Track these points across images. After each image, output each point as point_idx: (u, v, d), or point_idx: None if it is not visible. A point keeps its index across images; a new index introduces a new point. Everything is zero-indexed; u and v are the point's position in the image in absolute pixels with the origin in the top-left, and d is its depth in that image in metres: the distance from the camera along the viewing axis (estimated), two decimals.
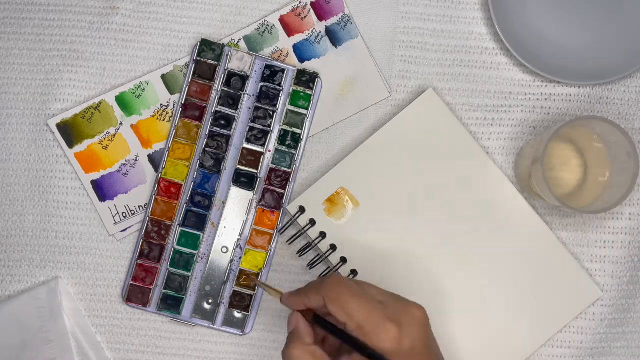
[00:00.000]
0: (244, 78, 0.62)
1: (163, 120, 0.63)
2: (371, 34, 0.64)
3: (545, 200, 0.59)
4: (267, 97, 0.62)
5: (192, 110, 0.62)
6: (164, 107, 0.63)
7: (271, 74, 0.62)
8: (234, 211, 0.62)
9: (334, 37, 0.64)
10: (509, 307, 0.61)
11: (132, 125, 0.63)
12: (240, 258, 0.62)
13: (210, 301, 0.62)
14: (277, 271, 0.63)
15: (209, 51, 0.62)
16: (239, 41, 0.63)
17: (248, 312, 0.62)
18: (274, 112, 0.62)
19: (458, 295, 0.61)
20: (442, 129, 0.62)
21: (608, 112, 0.64)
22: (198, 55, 0.62)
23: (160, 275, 0.62)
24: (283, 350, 0.49)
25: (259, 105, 0.62)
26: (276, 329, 0.63)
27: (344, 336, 0.48)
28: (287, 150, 0.62)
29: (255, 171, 0.62)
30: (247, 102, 0.63)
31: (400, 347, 0.46)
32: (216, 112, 0.62)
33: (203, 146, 0.62)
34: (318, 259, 0.61)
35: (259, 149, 0.62)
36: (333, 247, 0.61)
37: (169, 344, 0.63)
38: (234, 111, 0.62)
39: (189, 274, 0.62)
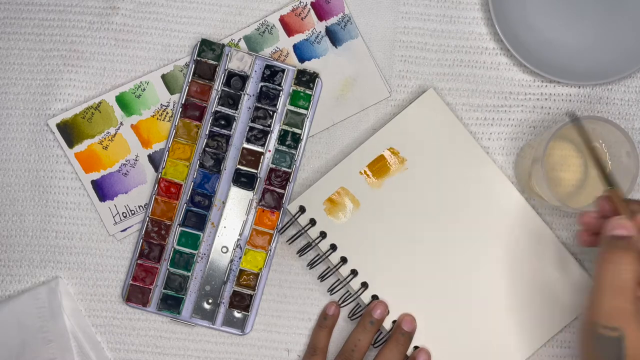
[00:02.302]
0: (244, 78, 0.62)
1: (163, 120, 0.63)
2: (371, 34, 0.64)
3: (546, 200, 0.59)
4: (267, 97, 0.62)
5: (192, 110, 0.62)
6: (164, 107, 0.63)
7: (271, 74, 0.62)
8: (234, 211, 0.62)
9: (334, 37, 0.64)
10: (509, 307, 0.61)
11: (132, 125, 0.63)
12: (240, 258, 0.62)
13: (210, 301, 0.62)
14: (277, 271, 0.63)
15: (209, 51, 0.62)
16: (239, 41, 0.63)
17: (248, 312, 0.62)
18: (274, 112, 0.62)
19: (458, 294, 0.61)
20: (442, 129, 0.62)
21: (608, 112, 0.64)
22: (198, 55, 0.62)
23: (160, 275, 0.62)
24: (606, 252, 0.46)
25: (259, 105, 0.62)
26: (276, 329, 0.63)
27: None
28: (287, 150, 0.62)
29: (255, 171, 0.62)
30: (247, 102, 0.63)
31: None
32: (216, 112, 0.62)
33: (203, 146, 0.62)
34: (318, 259, 0.61)
35: (259, 149, 0.62)
36: (333, 247, 0.61)
37: (169, 344, 0.63)
38: (234, 111, 0.62)
39: (189, 273, 0.62)
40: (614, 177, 0.50)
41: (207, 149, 0.62)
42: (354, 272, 0.61)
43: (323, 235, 0.61)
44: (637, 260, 0.45)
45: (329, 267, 0.62)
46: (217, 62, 0.62)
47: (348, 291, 0.61)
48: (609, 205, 0.50)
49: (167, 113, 0.63)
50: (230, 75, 0.62)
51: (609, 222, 0.47)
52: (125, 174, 0.63)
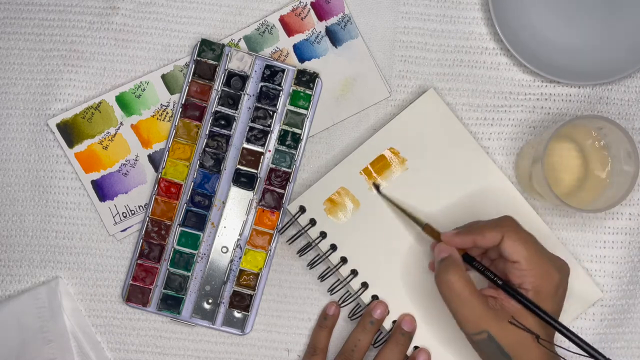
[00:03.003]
0: (244, 78, 0.62)
1: (163, 120, 0.63)
2: (371, 34, 0.64)
3: (546, 200, 0.59)
4: (267, 97, 0.62)
5: (192, 110, 0.62)
6: (164, 107, 0.63)
7: (271, 74, 0.62)
8: (234, 211, 0.62)
9: (334, 37, 0.64)
10: None
11: (132, 125, 0.63)
12: (240, 258, 0.62)
13: (210, 301, 0.62)
14: (277, 271, 0.63)
15: (209, 51, 0.62)
16: (239, 41, 0.63)
17: (248, 312, 0.62)
18: (274, 112, 0.62)
19: None
20: (442, 129, 0.62)
21: (608, 112, 0.64)
22: (198, 55, 0.62)
23: (160, 275, 0.62)
24: (437, 275, 0.52)
25: (259, 105, 0.62)
26: (276, 329, 0.63)
27: (493, 278, 0.52)
28: (287, 150, 0.62)
29: (255, 171, 0.62)
30: (247, 102, 0.63)
31: (556, 293, 0.51)
32: (216, 112, 0.62)
33: (203, 146, 0.62)
34: (318, 259, 0.61)
35: (259, 149, 0.62)
36: (333, 247, 0.61)
37: (169, 344, 0.63)
38: (234, 111, 0.62)
39: (189, 274, 0.62)
40: (418, 217, 0.58)
41: (207, 149, 0.62)
42: (354, 272, 0.61)
43: (323, 235, 0.61)
44: (462, 270, 0.51)
45: (329, 267, 0.62)
46: (217, 62, 0.62)
47: (348, 291, 0.61)
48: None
49: (167, 113, 0.63)
50: (230, 75, 0.62)
51: (434, 252, 0.54)
52: (125, 174, 0.63)
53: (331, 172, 0.61)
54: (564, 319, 0.61)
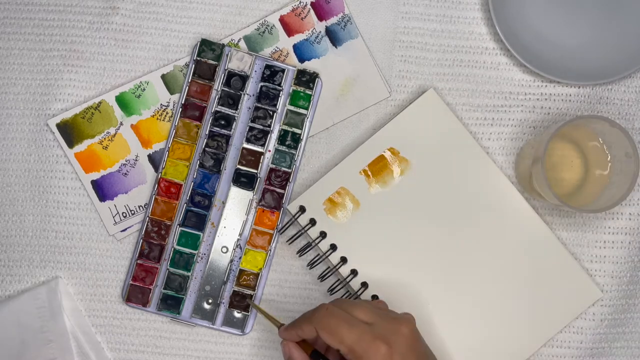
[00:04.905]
0: (244, 78, 0.62)
1: (163, 120, 0.63)
2: (371, 34, 0.64)
3: (546, 200, 0.59)
4: (267, 97, 0.62)
5: (192, 110, 0.62)
6: (164, 107, 0.63)
7: (271, 74, 0.62)
8: (234, 211, 0.62)
9: (334, 37, 0.64)
10: (509, 307, 0.61)
11: (132, 125, 0.63)
12: (240, 258, 0.62)
13: (210, 301, 0.62)
14: (277, 271, 0.63)
15: (209, 51, 0.62)
16: (239, 41, 0.63)
17: (248, 312, 0.62)
18: (274, 112, 0.62)
19: (458, 294, 0.61)
20: (442, 129, 0.62)
21: (608, 112, 0.64)
22: (198, 55, 0.62)
23: (160, 275, 0.62)
24: None
25: (259, 105, 0.62)
26: (276, 329, 0.63)
27: None
28: (287, 150, 0.62)
29: (255, 171, 0.62)
30: (247, 102, 0.63)
31: (392, 357, 0.49)
32: (216, 112, 0.62)
33: (203, 146, 0.62)
34: (318, 259, 0.61)
35: (259, 149, 0.62)
36: (333, 247, 0.61)
37: (169, 344, 0.63)
38: (234, 111, 0.62)
39: (189, 274, 0.62)
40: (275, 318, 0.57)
41: (207, 149, 0.62)
42: (353, 272, 0.61)
43: (323, 235, 0.61)
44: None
45: (329, 267, 0.62)
46: (217, 62, 0.62)
47: (348, 291, 0.61)
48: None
49: (167, 113, 0.63)
50: (230, 75, 0.62)
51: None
52: (125, 174, 0.63)
53: (331, 172, 0.61)
54: (564, 318, 0.61)
